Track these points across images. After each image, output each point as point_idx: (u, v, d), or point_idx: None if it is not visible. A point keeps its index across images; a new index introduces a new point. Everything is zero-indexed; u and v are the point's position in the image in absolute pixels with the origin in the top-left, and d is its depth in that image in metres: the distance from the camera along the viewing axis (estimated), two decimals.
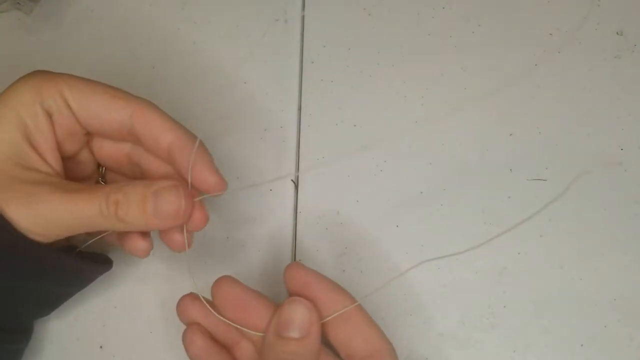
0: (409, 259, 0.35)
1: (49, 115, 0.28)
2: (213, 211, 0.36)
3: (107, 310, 0.35)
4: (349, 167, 0.37)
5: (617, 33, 0.40)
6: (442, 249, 0.35)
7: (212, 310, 0.29)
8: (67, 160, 0.30)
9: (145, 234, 0.30)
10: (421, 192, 0.37)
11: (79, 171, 0.32)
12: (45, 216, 0.27)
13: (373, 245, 0.35)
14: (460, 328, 0.34)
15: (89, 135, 0.31)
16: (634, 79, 0.38)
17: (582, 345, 0.33)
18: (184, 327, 0.33)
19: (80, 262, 0.30)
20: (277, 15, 0.42)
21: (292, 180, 0.37)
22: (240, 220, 0.36)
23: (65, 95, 0.28)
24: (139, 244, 0.30)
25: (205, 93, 0.39)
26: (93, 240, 0.31)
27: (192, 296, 0.30)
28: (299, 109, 0.39)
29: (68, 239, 0.30)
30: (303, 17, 0.41)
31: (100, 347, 0.34)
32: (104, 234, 0.31)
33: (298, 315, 0.27)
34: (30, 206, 0.26)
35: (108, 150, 0.31)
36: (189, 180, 0.29)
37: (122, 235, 0.31)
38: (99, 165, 0.33)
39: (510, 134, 0.38)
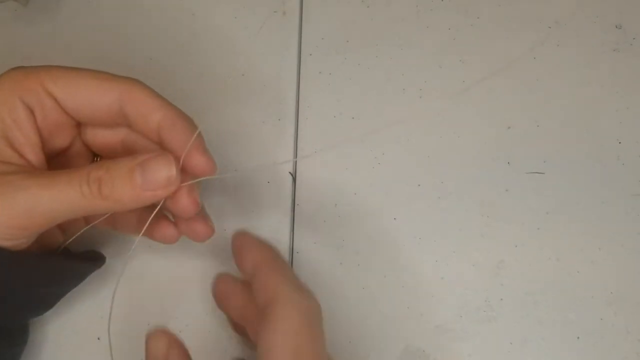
0: (406, 251, 0.35)
1: (30, 111, 0.27)
2: (211, 207, 0.36)
3: (105, 303, 0.35)
4: (347, 160, 0.37)
5: (616, 26, 0.40)
6: (440, 241, 0.35)
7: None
8: (59, 155, 0.30)
9: (171, 222, 0.30)
10: (419, 185, 0.36)
11: (73, 165, 0.31)
12: (23, 204, 0.25)
13: (371, 238, 0.35)
14: (458, 320, 0.34)
15: (80, 125, 0.30)
16: (633, 72, 0.39)
17: (578, 338, 0.33)
18: (179, 320, 0.34)
19: (66, 261, 0.30)
20: (276, 7, 0.41)
21: (289, 172, 0.37)
22: (237, 213, 0.36)
23: (48, 87, 0.27)
24: (167, 231, 0.29)
25: (203, 84, 0.39)
26: (82, 231, 0.30)
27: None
28: (297, 101, 0.39)
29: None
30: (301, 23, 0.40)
31: (98, 339, 0.34)
32: (96, 222, 0.30)
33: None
34: (6, 195, 0.25)
35: (103, 138, 0.30)
36: (182, 159, 0.27)
37: (142, 224, 0.29)
38: (94, 155, 0.32)
39: (509, 127, 0.38)
